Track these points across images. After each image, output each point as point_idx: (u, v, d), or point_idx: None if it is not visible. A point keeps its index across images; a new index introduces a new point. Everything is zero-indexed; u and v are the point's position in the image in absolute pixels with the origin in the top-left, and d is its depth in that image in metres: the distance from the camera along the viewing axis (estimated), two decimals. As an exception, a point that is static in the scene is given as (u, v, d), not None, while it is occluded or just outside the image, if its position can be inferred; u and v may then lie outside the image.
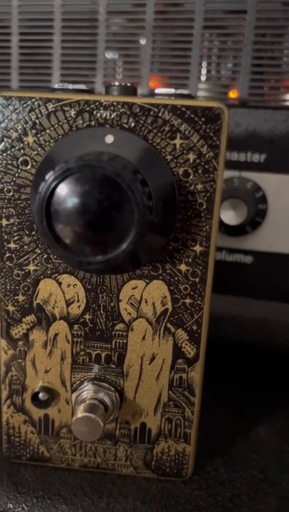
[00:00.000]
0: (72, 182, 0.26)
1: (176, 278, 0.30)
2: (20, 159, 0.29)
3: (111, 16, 0.46)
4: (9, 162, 0.30)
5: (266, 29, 0.44)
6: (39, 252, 0.31)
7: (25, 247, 0.31)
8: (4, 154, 0.29)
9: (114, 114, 0.28)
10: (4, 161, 0.30)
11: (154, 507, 0.32)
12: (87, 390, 0.32)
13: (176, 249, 0.30)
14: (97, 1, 0.46)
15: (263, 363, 0.47)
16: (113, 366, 0.32)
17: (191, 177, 0.29)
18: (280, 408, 0.44)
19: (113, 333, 0.32)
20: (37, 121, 0.29)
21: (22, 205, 0.30)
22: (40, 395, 0.33)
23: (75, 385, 0.33)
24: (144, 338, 0.32)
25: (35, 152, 0.29)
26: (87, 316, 0.31)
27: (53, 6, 0.47)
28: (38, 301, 0.32)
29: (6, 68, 0.49)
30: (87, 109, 0.28)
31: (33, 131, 0.29)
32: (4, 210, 0.30)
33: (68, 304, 0.31)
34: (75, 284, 0.31)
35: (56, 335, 0.32)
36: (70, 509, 0.32)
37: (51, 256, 0.31)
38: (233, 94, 0.46)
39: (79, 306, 0.31)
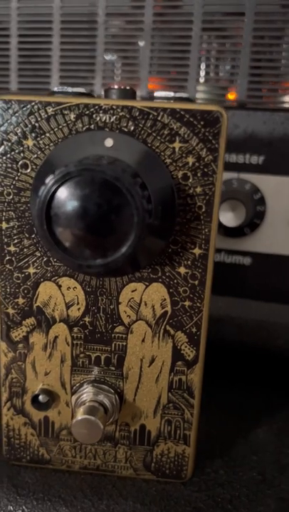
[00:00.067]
0: (72, 186, 0.26)
1: (175, 281, 0.30)
2: (20, 162, 0.30)
3: (110, 18, 0.46)
4: (9, 165, 0.30)
5: (264, 31, 0.44)
6: (39, 255, 0.31)
7: (25, 250, 0.31)
8: (4, 157, 0.30)
9: (114, 117, 0.28)
10: (4, 165, 0.30)
11: (153, 509, 0.32)
12: (87, 392, 0.32)
13: (176, 252, 0.30)
14: (96, 3, 0.46)
15: (261, 364, 0.47)
16: (113, 368, 0.32)
17: (190, 180, 0.29)
18: (279, 410, 0.44)
19: (113, 335, 0.32)
20: (37, 124, 0.29)
21: (22, 209, 0.30)
22: (40, 397, 0.33)
23: (74, 388, 0.33)
24: (143, 340, 0.32)
25: (35, 155, 0.29)
26: (86, 319, 0.32)
27: (52, 8, 0.47)
28: (38, 303, 0.32)
29: (4, 70, 0.49)
30: (87, 112, 0.29)
31: (33, 135, 0.29)
32: (4, 213, 0.30)
33: (68, 306, 0.31)
34: (75, 287, 0.31)
35: (56, 337, 0.32)
36: (70, 511, 0.32)
37: (51, 259, 0.31)
38: (231, 96, 0.46)
39: (79, 309, 0.31)
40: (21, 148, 0.29)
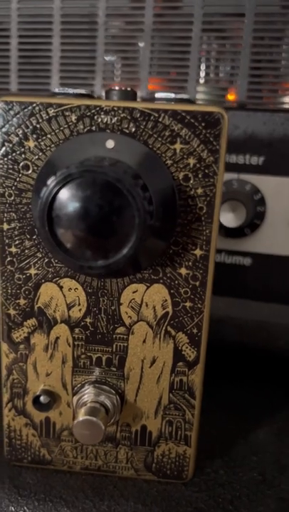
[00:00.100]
0: (74, 187, 0.26)
1: (176, 281, 0.31)
2: (21, 164, 0.30)
3: (110, 18, 0.46)
4: (10, 167, 0.30)
5: (264, 32, 0.44)
6: (40, 256, 0.31)
7: (27, 251, 0.31)
8: (5, 159, 0.30)
9: (115, 119, 0.29)
10: (5, 166, 0.30)
11: (154, 509, 0.32)
12: (88, 393, 0.32)
13: (177, 253, 0.30)
14: (96, 4, 0.46)
15: (262, 365, 0.47)
16: (114, 369, 0.32)
17: (191, 181, 0.29)
18: (279, 410, 0.44)
19: (114, 336, 0.32)
20: (38, 125, 0.29)
21: (23, 210, 0.30)
22: (42, 398, 0.33)
23: (76, 388, 0.33)
24: (144, 341, 0.32)
25: (36, 157, 0.29)
26: (88, 320, 0.32)
27: (52, 9, 0.47)
28: (39, 304, 0.32)
29: (5, 71, 0.49)
30: (88, 114, 0.29)
31: (34, 136, 0.29)
32: (5, 215, 0.30)
33: (69, 307, 0.32)
34: (76, 288, 0.31)
35: (57, 338, 0.32)
36: (72, 512, 0.32)
37: (52, 260, 0.31)
38: (231, 97, 0.46)
39: (80, 310, 0.32)
40: (22, 149, 0.29)
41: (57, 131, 0.29)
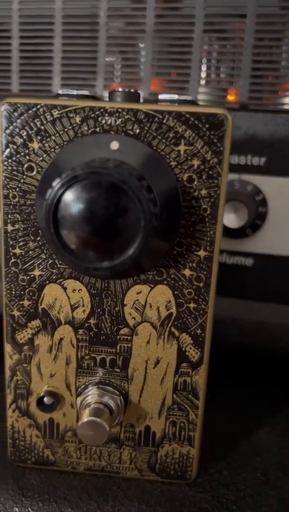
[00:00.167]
0: (79, 189, 0.26)
1: (180, 283, 0.31)
2: (25, 165, 0.30)
3: (111, 19, 0.46)
4: (14, 168, 0.30)
5: (266, 33, 0.44)
6: (44, 257, 0.31)
7: (31, 252, 0.31)
8: (9, 160, 0.30)
9: (119, 120, 0.29)
10: (9, 167, 0.30)
11: (158, 510, 0.32)
12: (92, 394, 0.32)
13: (181, 254, 0.30)
14: (97, 5, 0.46)
15: (264, 365, 0.47)
16: (118, 370, 0.33)
17: (195, 183, 0.29)
18: (281, 410, 0.44)
19: (118, 337, 0.32)
20: (42, 127, 0.29)
21: (27, 211, 0.30)
22: (45, 399, 0.33)
23: (80, 389, 0.33)
24: (148, 342, 0.32)
25: (41, 158, 0.29)
26: (92, 321, 0.32)
27: (53, 10, 0.47)
28: (43, 306, 0.32)
29: (6, 72, 0.49)
30: (92, 115, 0.29)
31: (39, 138, 0.29)
32: (9, 216, 0.30)
33: (73, 308, 0.32)
34: (80, 289, 0.31)
35: (61, 339, 0.32)
36: (76, 512, 0.32)
37: (56, 261, 0.31)
38: (232, 98, 0.46)
39: (84, 311, 0.32)
40: (27, 151, 0.29)
41: (61, 132, 0.29)
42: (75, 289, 0.31)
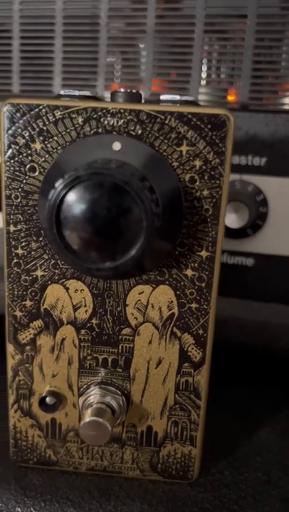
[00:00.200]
0: (82, 190, 0.26)
1: (182, 283, 0.31)
2: (27, 166, 0.30)
3: (112, 20, 0.46)
4: (17, 169, 0.30)
5: (266, 33, 0.44)
6: (46, 257, 0.31)
7: (33, 252, 0.31)
8: (12, 161, 0.30)
9: (122, 121, 0.29)
10: (12, 168, 0.30)
11: (160, 509, 0.33)
12: (94, 394, 0.32)
13: (183, 254, 0.30)
14: (98, 5, 0.46)
15: (264, 365, 0.47)
16: (120, 370, 0.33)
17: (197, 183, 0.29)
18: (281, 410, 0.44)
19: (120, 337, 0.32)
20: (44, 128, 0.29)
21: (30, 212, 0.30)
22: (48, 399, 0.33)
23: (82, 389, 0.33)
24: (150, 342, 0.32)
25: (43, 159, 0.29)
26: (94, 321, 0.32)
27: (54, 10, 0.47)
28: (46, 306, 0.32)
29: (7, 72, 0.49)
30: (95, 116, 0.29)
31: (41, 138, 0.29)
32: (12, 217, 0.30)
33: (75, 308, 0.32)
34: (82, 289, 0.31)
35: (63, 339, 0.32)
36: (78, 512, 0.32)
37: (58, 261, 0.31)
38: (233, 98, 0.46)
39: (86, 311, 0.32)
40: (29, 151, 0.29)
41: (63, 133, 0.29)
42: (77, 290, 0.31)
